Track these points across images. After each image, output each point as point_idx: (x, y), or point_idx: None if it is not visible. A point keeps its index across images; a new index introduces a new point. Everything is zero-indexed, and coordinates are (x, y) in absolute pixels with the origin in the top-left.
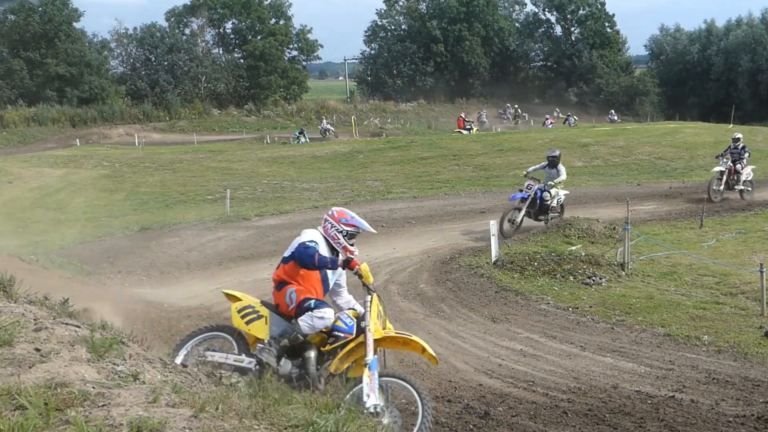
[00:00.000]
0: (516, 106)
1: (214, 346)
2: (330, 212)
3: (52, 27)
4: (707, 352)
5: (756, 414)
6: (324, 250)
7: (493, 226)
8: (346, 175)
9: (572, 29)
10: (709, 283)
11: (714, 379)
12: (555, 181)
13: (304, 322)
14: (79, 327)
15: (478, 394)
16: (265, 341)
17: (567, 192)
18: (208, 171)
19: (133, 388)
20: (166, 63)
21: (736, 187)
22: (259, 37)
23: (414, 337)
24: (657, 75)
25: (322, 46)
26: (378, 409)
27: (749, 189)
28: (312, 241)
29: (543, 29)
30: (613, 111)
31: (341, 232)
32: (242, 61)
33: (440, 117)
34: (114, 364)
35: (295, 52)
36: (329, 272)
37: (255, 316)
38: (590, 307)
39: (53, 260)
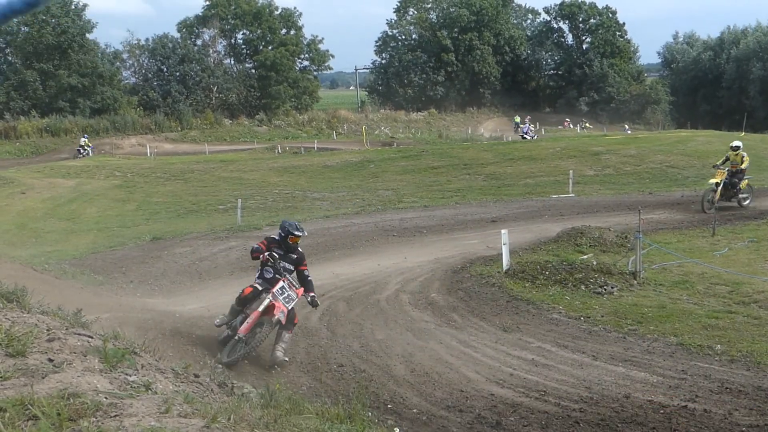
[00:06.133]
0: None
1: None
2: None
3: (66, 39)
4: (720, 361)
5: None
6: None
7: (505, 235)
8: (357, 184)
9: (583, 38)
10: (721, 292)
11: (727, 388)
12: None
13: None
14: (91, 337)
15: (490, 403)
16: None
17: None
18: (220, 181)
19: (145, 399)
20: (177, 73)
21: (733, 199)
22: (270, 48)
23: None
24: (668, 83)
25: (333, 56)
26: None
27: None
28: None
29: (554, 38)
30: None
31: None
32: (253, 71)
33: (451, 126)
34: (126, 374)
35: (306, 62)
36: None
37: None
38: (602, 316)
39: (66, 270)
